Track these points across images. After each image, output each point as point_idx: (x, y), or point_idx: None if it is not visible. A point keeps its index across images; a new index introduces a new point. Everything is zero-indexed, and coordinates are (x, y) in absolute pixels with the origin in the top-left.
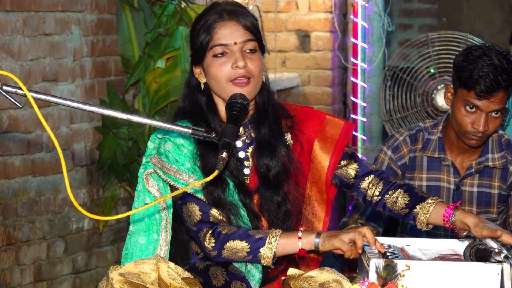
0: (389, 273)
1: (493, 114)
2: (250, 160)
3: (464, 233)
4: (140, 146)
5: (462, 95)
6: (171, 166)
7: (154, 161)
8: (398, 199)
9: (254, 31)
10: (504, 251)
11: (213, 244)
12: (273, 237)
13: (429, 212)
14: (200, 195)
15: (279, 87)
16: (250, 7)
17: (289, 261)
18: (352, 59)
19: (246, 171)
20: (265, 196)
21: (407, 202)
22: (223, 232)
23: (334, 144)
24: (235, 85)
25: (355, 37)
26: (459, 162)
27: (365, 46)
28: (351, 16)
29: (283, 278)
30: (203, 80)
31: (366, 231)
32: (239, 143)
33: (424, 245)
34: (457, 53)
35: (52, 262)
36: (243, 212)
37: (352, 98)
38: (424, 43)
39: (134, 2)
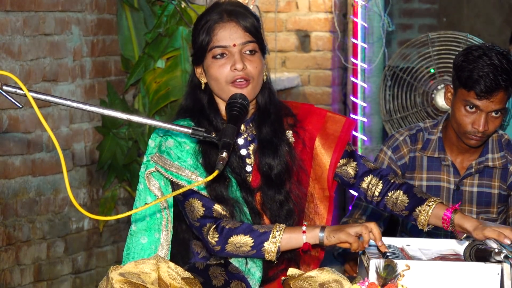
0: (389, 273)
1: (493, 114)
2: (252, 157)
3: (464, 235)
4: (140, 146)
5: (462, 95)
6: (173, 163)
7: (155, 159)
8: (398, 200)
9: (254, 32)
10: (504, 251)
11: (216, 239)
12: (277, 231)
13: (429, 214)
14: (203, 192)
15: (279, 87)
16: (250, 7)
17: (289, 261)
18: (352, 59)
19: (248, 168)
20: (268, 195)
21: (406, 204)
22: (227, 227)
23: (335, 141)
24: (234, 87)
25: (355, 37)
26: (459, 162)
27: (365, 46)
28: (351, 16)
29: (283, 278)
30: (203, 80)
31: (374, 226)
32: (240, 141)
33: (424, 245)
34: (457, 53)
35: (52, 262)
36: (246, 209)
37: (352, 98)
38: (424, 43)
39: (134, 2)
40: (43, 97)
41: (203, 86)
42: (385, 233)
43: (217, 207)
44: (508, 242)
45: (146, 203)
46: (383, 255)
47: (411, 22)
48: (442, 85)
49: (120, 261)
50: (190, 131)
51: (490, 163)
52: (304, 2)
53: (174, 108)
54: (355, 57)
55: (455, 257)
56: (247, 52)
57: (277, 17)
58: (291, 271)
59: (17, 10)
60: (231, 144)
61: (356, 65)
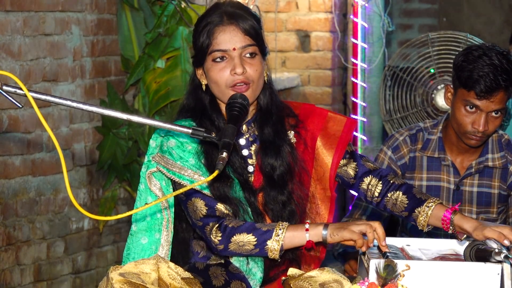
0: (389, 273)
1: (493, 114)
2: (254, 158)
3: (464, 236)
4: (140, 146)
5: (462, 95)
6: (175, 163)
7: (157, 159)
8: (397, 201)
9: (254, 35)
10: (504, 251)
11: (219, 238)
12: (280, 229)
13: (428, 215)
14: (206, 191)
15: (279, 87)
16: (250, 7)
17: (291, 261)
18: (352, 59)
19: (250, 168)
20: (270, 196)
21: (406, 205)
22: (230, 226)
23: (337, 141)
24: (234, 90)
25: (355, 37)
26: (459, 162)
27: (365, 46)
28: (351, 16)
29: (283, 278)
30: (204, 81)
31: (378, 226)
32: (242, 141)
33: (424, 245)
34: (457, 53)
35: (52, 262)
36: (248, 209)
37: (352, 98)
38: (424, 43)
39: (134, 2)
40: (43, 97)
41: (203, 87)
42: (385, 233)
43: (220, 206)
44: (507, 243)
45: (147, 203)
46: (383, 255)
47: (411, 22)
48: (442, 85)
49: (120, 261)
50: (190, 131)
51: (490, 163)
52: (304, 2)
53: (174, 108)
54: (355, 57)
55: (455, 257)
56: (247, 55)
57: (277, 17)
58: (292, 271)
59: (17, 10)
60: (231, 144)
61: (356, 65)
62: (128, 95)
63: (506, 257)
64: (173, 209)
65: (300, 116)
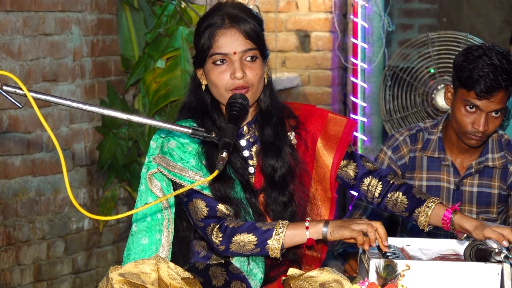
0: (389, 273)
1: (493, 114)
2: (255, 159)
3: (464, 236)
4: (140, 146)
5: (462, 95)
6: (176, 164)
7: (158, 160)
8: (397, 202)
9: (256, 38)
10: (504, 251)
11: (220, 239)
12: (280, 228)
13: (428, 215)
14: (207, 192)
15: (279, 87)
16: (250, 7)
17: (291, 262)
18: (352, 59)
19: (251, 169)
20: (271, 197)
21: (406, 206)
22: (230, 226)
23: (337, 142)
24: (233, 93)
25: (355, 37)
26: (459, 162)
27: (365, 46)
28: (351, 16)
29: (283, 278)
30: (204, 82)
31: (379, 226)
32: (243, 142)
33: (424, 245)
34: (457, 53)
35: (52, 262)
36: (249, 210)
37: (352, 98)
38: (424, 43)
39: (134, 2)
40: (43, 97)
41: (203, 87)
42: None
43: (221, 207)
44: (506, 244)
45: (147, 203)
46: (383, 255)
47: (411, 22)
48: (442, 85)
49: (120, 261)
50: (190, 131)
51: (490, 163)
52: (304, 2)
53: (174, 108)
54: (355, 57)
55: (455, 257)
56: (248, 59)
57: (277, 17)
58: (292, 271)
59: (17, 10)
60: (231, 144)
61: (356, 65)
62: (128, 95)
63: (506, 257)
64: (173, 209)
65: (301, 117)
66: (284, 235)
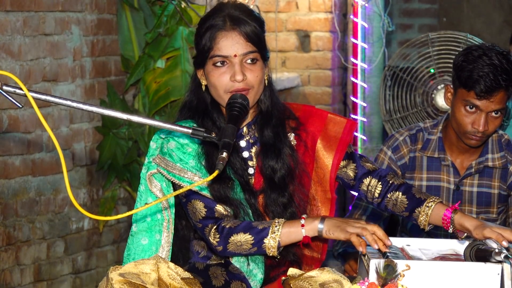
0: (389, 273)
1: (493, 114)
2: (254, 160)
3: (464, 235)
4: (140, 146)
5: (462, 95)
6: (175, 164)
7: (157, 161)
8: (397, 202)
9: (257, 41)
10: (504, 251)
11: (218, 239)
12: (276, 226)
13: (428, 215)
14: (205, 193)
15: (279, 87)
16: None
17: (292, 263)
18: (352, 59)
19: (250, 170)
20: (271, 198)
21: (406, 206)
22: (227, 227)
23: (337, 143)
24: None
25: (355, 37)
26: (459, 162)
27: (365, 46)
28: (351, 16)
29: (283, 278)
30: (204, 82)
31: (377, 229)
32: (243, 143)
33: (424, 245)
34: (457, 53)
35: (52, 262)
36: (249, 210)
37: (352, 98)
38: (424, 43)
39: (134, 2)
40: (43, 97)
41: (203, 88)
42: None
43: (219, 207)
44: (506, 245)
45: (147, 204)
46: (383, 255)
47: (411, 22)
48: (442, 85)
49: (120, 261)
50: (190, 131)
51: (490, 163)
52: (304, 2)
53: (174, 108)
54: (355, 57)
55: (455, 257)
56: (248, 61)
57: (277, 17)
58: (292, 271)
59: (17, 10)
60: (231, 144)
61: (356, 65)
62: (128, 95)
63: (506, 257)
64: (173, 210)
65: (300, 118)
66: (280, 233)
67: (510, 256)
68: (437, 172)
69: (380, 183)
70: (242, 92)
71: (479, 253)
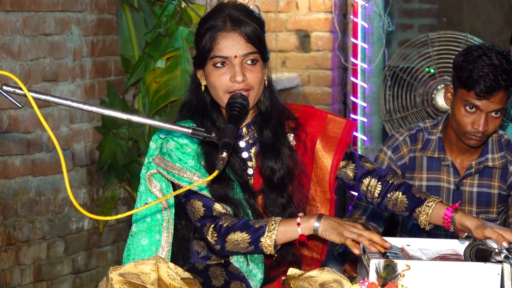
0: (389, 273)
1: (493, 114)
2: (254, 160)
3: (465, 235)
4: (140, 146)
5: (462, 95)
6: (175, 164)
7: (157, 161)
8: (397, 202)
9: (257, 42)
10: (504, 251)
11: (215, 238)
12: (272, 224)
13: (429, 215)
14: (205, 192)
15: (279, 87)
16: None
17: (291, 263)
18: (352, 59)
19: (250, 171)
20: (270, 198)
21: (406, 205)
22: (224, 225)
23: (336, 143)
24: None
25: (355, 37)
26: (459, 162)
27: (365, 46)
28: (351, 16)
29: (283, 278)
30: (204, 82)
31: (373, 235)
32: (242, 143)
33: (424, 245)
34: (457, 53)
35: (52, 262)
36: (248, 211)
37: (352, 98)
38: (424, 43)
39: (134, 2)
40: (43, 97)
41: (203, 88)
42: (385, 233)
43: (217, 206)
44: (506, 245)
45: (147, 204)
46: (383, 255)
47: (411, 22)
48: (442, 85)
49: (120, 261)
50: (190, 131)
51: (490, 163)
52: (304, 2)
53: (174, 108)
54: (355, 57)
55: (455, 257)
56: (248, 62)
57: (277, 17)
58: (291, 271)
59: (17, 10)
60: (231, 144)
61: (356, 65)
62: (128, 95)
63: (506, 257)
64: (173, 210)
65: (300, 118)
66: (277, 232)
67: (510, 256)
68: (437, 172)
69: (379, 183)
70: (242, 93)
71: (479, 253)
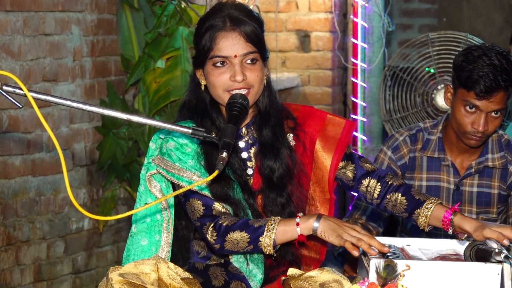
0: (389, 273)
1: (493, 114)
2: (253, 160)
3: (465, 236)
4: (140, 146)
5: (462, 95)
6: (174, 164)
7: (157, 161)
8: (396, 203)
9: (257, 41)
10: (504, 251)
11: (215, 238)
12: (271, 224)
13: (428, 217)
14: (205, 192)
15: (279, 87)
16: (250, 7)
17: (291, 263)
18: (352, 59)
19: (249, 171)
20: (269, 198)
21: (405, 207)
22: (224, 225)
23: (336, 143)
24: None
25: (355, 37)
26: (459, 162)
27: (365, 46)
28: (351, 16)
29: (283, 278)
30: (203, 82)
31: (373, 241)
32: (242, 144)
33: (424, 245)
34: (457, 53)
35: (52, 262)
36: (248, 211)
37: (352, 98)
38: (424, 43)
39: (134, 2)
40: (43, 97)
41: (202, 88)
42: (385, 233)
43: (217, 205)
44: (507, 243)
45: (147, 204)
46: (383, 255)
47: (411, 22)
48: (442, 85)
49: (120, 261)
50: (190, 131)
51: (490, 163)
52: (304, 2)
53: (174, 108)
54: (355, 57)
55: (455, 257)
56: (248, 62)
57: (277, 17)
58: (291, 271)
59: (17, 10)
60: (231, 144)
61: (356, 65)
62: (128, 95)
63: (506, 257)
64: (173, 210)
65: (299, 118)
66: (276, 232)
67: (510, 256)
68: (437, 172)
69: (379, 184)
70: (242, 93)
71: (479, 253)
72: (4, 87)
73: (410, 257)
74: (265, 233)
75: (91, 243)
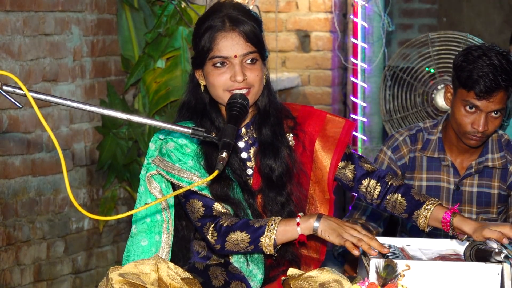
0: (389, 273)
1: (493, 114)
2: (253, 160)
3: (465, 237)
4: (140, 146)
5: (462, 95)
6: (174, 165)
7: (156, 162)
8: (396, 204)
9: (256, 41)
10: (504, 251)
11: (216, 238)
12: (272, 224)
13: (427, 218)
14: (205, 192)
15: (279, 87)
16: (250, 7)
17: (291, 262)
18: (352, 59)
19: (249, 171)
20: (269, 197)
21: (405, 208)
22: (224, 225)
23: (335, 143)
24: (232, 94)
25: (355, 37)
26: (459, 162)
27: (365, 46)
28: (351, 16)
29: (283, 278)
30: (203, 82)
31: (372, 241)
32: (241, 144)
33: (424, 245)
34: (457, 53)
35: (52, 262)
36: (248, 211)
37: (352, 98)
38: (424, 43)
39: (134, 2)
40: (43, 97)
41: (202, 88)
42: (385, 233)
43: (217, 206)
44: (507, 241)
45: (147, 204)
46: (383, 255)
47: (411, 22)
48: (442, 85)
49: (120, 261)
50: (190, 131)
51: (490, 163)
52: (304, 2)
53: (174, 108)
54: (355, 57)
55: (455, 257)
56: (248, 61)
57: (277, 17)
58: (291, 271)
59: (17, 10)
60: (231, 144)
61: (356, 65)
62: (128, 95)
63: (506, 257)
64: (173, 210)
65: (299, 118)
66: (276, 232)
67: (510, 256)
68: (437, 172)
69: (379, 184)
70: (242, 93)
71: (479, 253)
72: (4, 87)
73: (410, 257)
74: (265, 233)
75: (91, 243)
